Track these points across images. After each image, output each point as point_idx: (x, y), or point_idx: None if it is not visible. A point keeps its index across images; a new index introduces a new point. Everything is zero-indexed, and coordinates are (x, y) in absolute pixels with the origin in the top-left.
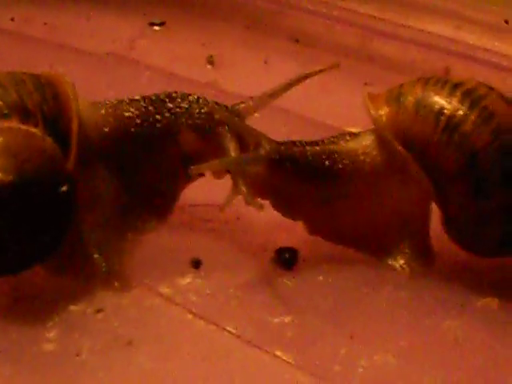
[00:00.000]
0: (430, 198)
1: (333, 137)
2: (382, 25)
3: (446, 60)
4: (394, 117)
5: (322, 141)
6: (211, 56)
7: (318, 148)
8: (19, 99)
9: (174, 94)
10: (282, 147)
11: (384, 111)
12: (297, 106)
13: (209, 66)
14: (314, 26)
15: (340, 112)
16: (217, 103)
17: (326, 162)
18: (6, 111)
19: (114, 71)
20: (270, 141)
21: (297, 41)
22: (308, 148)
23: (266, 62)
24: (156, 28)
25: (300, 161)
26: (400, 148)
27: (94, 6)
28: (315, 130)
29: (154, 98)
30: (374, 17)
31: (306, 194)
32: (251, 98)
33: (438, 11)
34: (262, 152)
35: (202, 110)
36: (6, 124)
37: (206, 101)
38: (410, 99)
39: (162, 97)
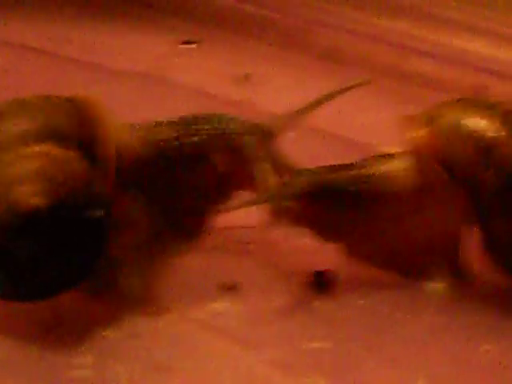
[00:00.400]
0: (469, 221)
1: (364, 160)
2: (417, 42)
3: (484, 79)
4: (431, 138)
5: (352, 164)
6: (246, 74)
7: (351, 173)
8: (55, 123)
9: (209, 114)
10: (317, 177)
11: (421, 132)
12: (333, 126)
13: (243, 85)
14: (347, 44)
15: (375, 131)
16: (249, 125)
17: (357, 187)
18: (41, 135)
19: (147, 91)
20: (304, 172)
21: (331, 59)
22: (343, 173)
23: (299, 80)
24: (191, 46)
25: (335, 188)
26: (439, 170)
27: (130, 24)
28: (352, 149)
29: (189, 118)
30: (410, 34)
31: (343, 219)
32: (280, 116)
33: (477, 28)
34: (297, 187)
35: (236, 131)
36: (42, 148)
37: (241, 121)
38: (448, 120)
39: (196, 117)
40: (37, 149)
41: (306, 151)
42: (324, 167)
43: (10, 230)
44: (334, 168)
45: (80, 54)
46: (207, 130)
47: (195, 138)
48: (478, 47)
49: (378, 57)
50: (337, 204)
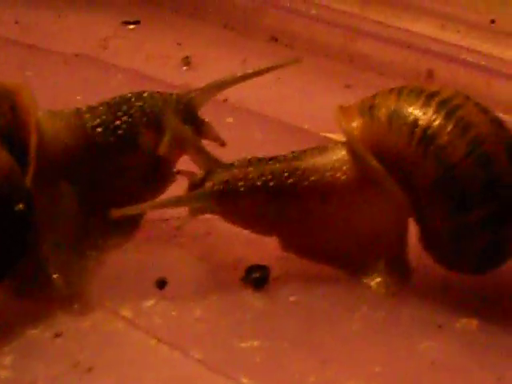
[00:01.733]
0: (407, 213)
1: (297, 152)
2: (363, 24)
3: (430, 61)
4: (366, 129)
5: (285, 156)
6: (187, 57)
7: (278, 165)
8: None
9: (128, 95)
10: (228, 177)
11: (356, 123)
12: (273, 110)
13: (184, 67)
14: (293, 25)
15: (319, 116)
16: (168, 95)
17: (289, 180)
18: None
19: (83, 73)
20: (217, 170)
21: (276, 40)
22: (267, 167)
23: (243, 62)
24: (130, 27)
25: (256, 184)
26: (374, 162)
27: (66, 4)
28: (292, 135)
29: (110, 102)
30: (355, 15)
31: (273, 213)
32: (200, 89)
33: (422, 10)
34: (206, 188)
35: (157, 107)
36: None
37: (160, 95)
38: (383, 110)
39: (118, 100)
40: None
41: (248, 139)
42: (253, 159)
43: None
44: (258, 160)
45: (15, 34)
46: (127, 111)
47: (118, 122)
48: (424, 29)
49: (324, 38)
50: (259, 200)
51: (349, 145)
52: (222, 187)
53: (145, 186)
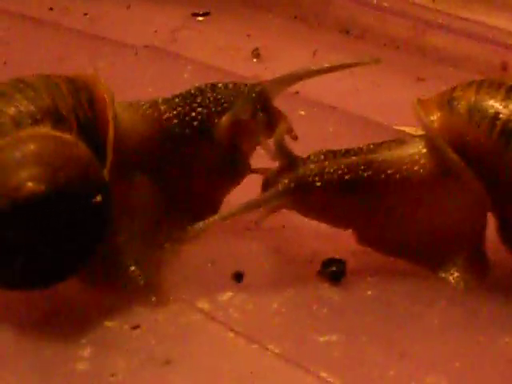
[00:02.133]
0: (486, 207)
1: (373, 144)
2: (435, 16)
3: (504, 54)
4: (446, 122)
5: (361, 149)
6: (257, 48)
7: (354, 158)
8: (52, 104)
9: (203, 87)
10: (303, 173)
11: (435, 117)
12: (345, 103)
13: (254, 60)
14: (364, 17)
15: (390, 109)
16: (242, 84)
17: (365, 174)
18: (38, 116)
19: (154, 65)
20: (291, 165)
21: (347, 32)
22: (342, 161)
23: (314, 55)
24: (199, 18)
25: (331, 178)
26: (453, 155)
27: None
28: (364, 128)
29: (185, 94)
30: (427, 7)
31: (350, 207)
32: (273, 79)
33: (496, 2)
34: (281, 187)
35: (231, 96)
36: (38, 130)
37: (234, 85)
38: (462, 104)
39: (193, 92)
40: (33, 131)
41: (320, 132)
42: (328, 152)
43: (7, 217)
44: (334, 153)
45: (83, 25)
46: (202, 102)
47: (193, 114)
48: (498, 22)
49: (395, 31)
50: (335, 194)
51: (428, 138)
52: (297, 184)
53: (220, 177)
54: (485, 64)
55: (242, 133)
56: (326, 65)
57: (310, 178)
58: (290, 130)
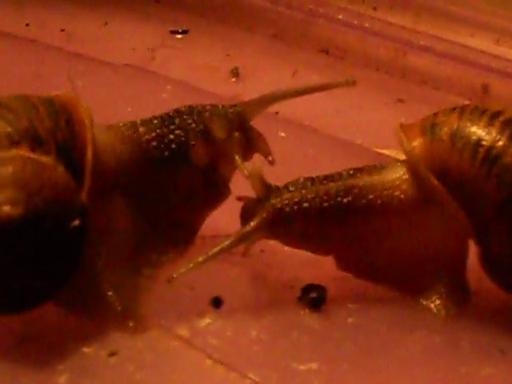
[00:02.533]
0: (468, 234)
1: (353, 170)
2: (416, 37)
3: (485, 76)
4: (428, 148)
5: (341, 174)
6: (236, 68)
7: (332, 185)
8: (30, 126)
9: (181, 109)
10: (281, 204)
11: (417, 142)
12: (325, 124)
13: (233, 79)
14: (344, 37)
15: (371, 131)
16: (219, 105)
17: (345, 200)
18: (16, 138)
19: (133, 84)
20: (269, 196)
21: (327, 52)
22: (321, 188)
23: (294, 75)
24: (178, 36)
25: (310, 206)
26: (435, 182)
27: (113, 12)
28: (345, 150)
29: (164, 116)
30: (408, 28)
31: (330, 234)
32: (252, 100)
33: (477, 24)
34: (257, 221)
35: (207, 118)
36: (16, 152)
37: (212, 106)
38: (445, 130)
39: (171, 114)
40: (10, 154)
41: (300, 154)
42: (306, 179)
43: None
44: (312, 181)
45: (60, 42)
46: (180, 125)
47: (171, 136)
48: (479, 44)
49: (375, 51)
50: (314, 222)
51: (409, 164)
52: (274, 216)
53: (199, 200)
54: (466, 86)
55: (219, 154)
56: (304, 86)
57: (288, 209)
58: (268, 153)
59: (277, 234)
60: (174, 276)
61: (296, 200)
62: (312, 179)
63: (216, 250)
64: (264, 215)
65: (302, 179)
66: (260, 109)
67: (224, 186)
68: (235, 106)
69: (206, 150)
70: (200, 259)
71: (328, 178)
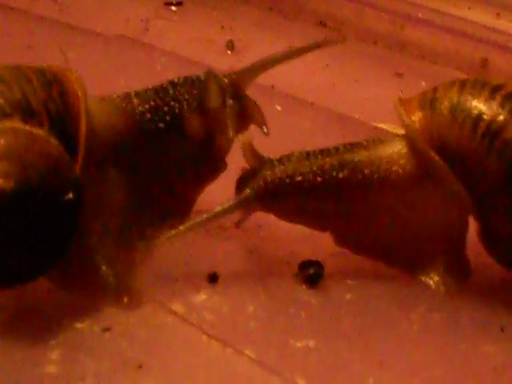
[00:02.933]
0: (467, 210)
1: (350, 144)
2: (414, 10)
3: (484, 50)
4: (428, 123)
5: (336, 149)
6: (231, 41)
7: (327, 159)
8: (23, 97)
9: (176, 80)
10: (272, 176)
11: (417, 117)
12: (322, 99)
13: (229, 52)
14: (341, 10)
15: (369, 105)
16: (216, 76)
17: (340, 174)
18: (8, 110)
19: (126, 56)
20: (260, 169)
21: (324, 25)
22: (315, 161)
23: (290, 48)
24: (172, 8)
25: (303, 179)
26: (435, 156)
27: None
28: (341, 124)
29: (158, 88)
30: (407, 1)
31: (325, 210)
32: (244, 67)
33: None
34: (248, 192)
35: (201, 88)
36: (8, 124)
37: (206, 76)
38: (445, 104)
39: (165, 85)
40: (2, 125)
41: (297, 128)
42: (300, 153)
43: None
44: (307, 154)
45: (53, 13)
46: (174, 96)
47: (166, 108)
48: (479, 17)
49: (373, 24)
50: (306, 196)
51: (408, 138)
52: (265, 188)
53: (195, 174)
54: (464, 60)
55: (214, 124)
56: (294, 48)
57: (280, 182)
58: (262, 123)
59: (269, 206)
60: (156, 243)
61: (289, 173)
62: (307, 153)
63: (205, 216)
64: (254, 186)
65: (296, 153)
66: (253, 76)
67: (220, 160)
68: (228, 74)
69: (201, 121)
70: (181, 227)
71: (323, 152)
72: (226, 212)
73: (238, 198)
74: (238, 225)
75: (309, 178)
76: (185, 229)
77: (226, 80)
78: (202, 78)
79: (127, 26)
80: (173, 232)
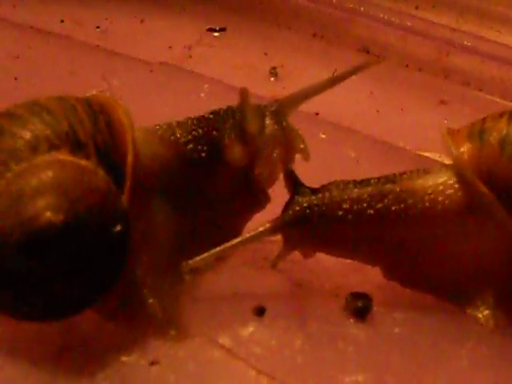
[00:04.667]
0: None
1: (393, 175)
2: (459, 37)
3: None
4: (476, 154)
5: (378, 179)
6: (274, 68)
7: (368, 189)
8: (70, 128)
9: (217, 109)
10: (309, 202)
11: (465, 148)
12: (366, 127)
13: (272, 79)
14: (385, 37)
15: (413, 133)
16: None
17: (379, 204)
18: (55, 142)
19: (170, 83)
20: (299, 194)
21: (367, 51)
22: (354, 191)
23: (333, 75)
24: (215, 34)
25: (337, 207)
26: (484, 189)
27: (149, 9)
28: (386, 153)
29: (200, 118)
30: (452, 28)
31: (367, 239)
32: (286, 96)
33: None
34: (278, 219)
35: (244, 117)
36: (55, 156)
37: (245, 105)
38: (494, 135)
39: (207, 115)
40: (50, 157)
41: (341, 157)
42: (339, 182)
43: (23, 248)
44: (347, 184)
45: (95, 39)
46: (215, 126)
47: (209, 137)
48: None
49: (417, 51)
50: (356, 222)
51: (457, 170)
52: (298, 213)
53: (238, 203)
54: (510, 88)
55: (256, 153)
56: (334, 76)
57: (314, 208)
58: (305, 153)
59: (307, 237)
60: (189, 266)
61: (325, 201)
62: (347, 182)
63: (236, 241)
64: (289, 211)
65: (336, 182)
66: (296, 105)
67: (261, 192)
68: (271, 103)
69: (242, 149)
70: (217, 249)
71: (363, 181)
72: (256, 237)
73: (273, 223)
74: (273, 264)
75: (346, 206)
76: (214, 253)
77: (266, 109)
78: (243, 106)
79: (170, 52)
80: (206, 254)
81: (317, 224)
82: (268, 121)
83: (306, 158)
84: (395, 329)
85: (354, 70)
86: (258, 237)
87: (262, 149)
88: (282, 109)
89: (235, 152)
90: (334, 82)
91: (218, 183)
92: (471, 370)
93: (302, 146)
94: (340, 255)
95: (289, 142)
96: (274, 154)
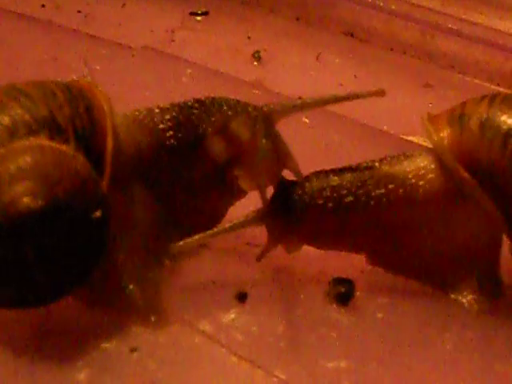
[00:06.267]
0: (500, 228)
1: (371, 160)
2: (444, 20)
3: None
4: (456, 139)
5: (358, 166)
6: (257, 51)
7: (348, 176)
8: (49, 113)
9: (202, 99)
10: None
11: (445, 133)
12: (351, 110)
13: (255, 62)
14: (370, 20)
15: (398, 117)
16: (247, 106)
17: (360, 191)
18: (34, 127)
19: (151, 67)
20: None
21: (351, 35)
22: (332, 178)
23: (317, 58)
24: (198, 18)
25: (319, 196)
26: (465, 174)
27: None
28: (370, 137)
29: (183, 105)
30: (436, 11)
31: (351, 225)
32: (279, 103)
33: (506, 7)
34: (262, 210)
35: (229, 112)
36: (34, 141)
37: (237, 101)
38: (474, 120)
39: (191, 103)
40: (29, 142)
41: (325, 141)
42: (314, 173)
43: (1, 234)
44: (325, 173)
45: (77, 23)
46: (198, 115)
47: (189, 126)
48: (509, 27)
49: (402, 34)
50: (339, 209)
51: (437, 155)
52: (281, 205)
53: (218, 192)
54: (495, 71)
55: (240, 155)
56: (334, 95)
57: (296, 197)
58: (295, 170)
59: (292, 228)
60: (172, 250)
61: (306, 190)
62: (326, 171)
63: (218, 229)
64: (272, 203)
65: (315, 172)
66: (285, 114)
67: (238, 189)
68: (261, 106)
69: (225, 147)
70: (200, 235)
71: (343, 169)
72: (239, 226)
73: (254, 212)
74: (258, 258)
75: (326, 194)
76: (198, 239)
77: (255, 112)
78: (231, 103)
79: (152, 36)
80: (186, 241)
81: (299, 214)
82: (259, 129)
83: (299, 177)
84: (378, 314)
85: (351, 96)
86: (241, 226)
87: (249, 158)
88: (271, 115)
89: (216, 147)
90: (326, 101)
91: (195, 172)
92: (455, 354)
93: (293, 166)
94: (324, 246)
95: (279, 159)
96: (260, 168)
